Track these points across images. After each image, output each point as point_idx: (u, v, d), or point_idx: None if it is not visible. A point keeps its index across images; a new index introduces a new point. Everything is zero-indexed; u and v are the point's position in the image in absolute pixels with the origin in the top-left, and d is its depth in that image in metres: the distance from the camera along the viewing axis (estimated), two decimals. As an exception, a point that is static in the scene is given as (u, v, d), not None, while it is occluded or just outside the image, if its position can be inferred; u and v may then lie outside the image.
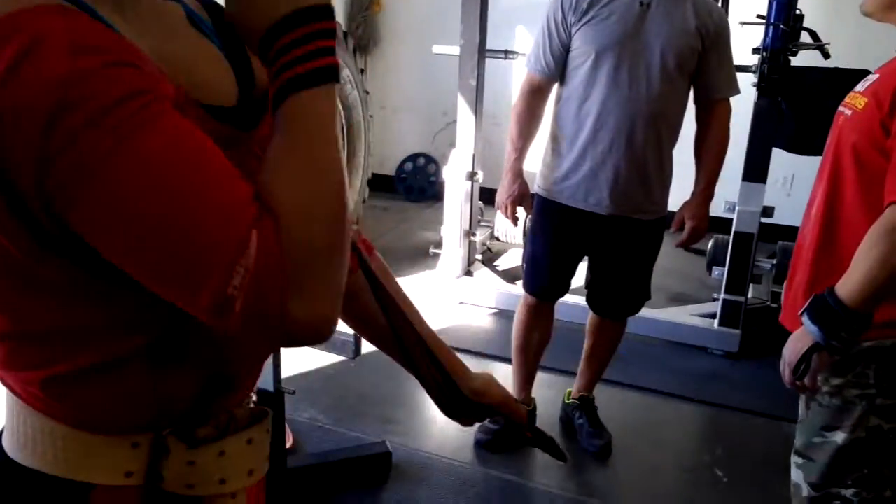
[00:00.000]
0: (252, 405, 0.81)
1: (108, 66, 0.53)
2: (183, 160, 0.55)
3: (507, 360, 2.71)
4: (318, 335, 0.60)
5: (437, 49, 4.09)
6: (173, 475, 0.68)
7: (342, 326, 1.89)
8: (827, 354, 1.30)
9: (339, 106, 4.01)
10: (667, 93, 2.14)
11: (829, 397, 1.39)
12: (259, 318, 0.56)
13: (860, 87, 1.40)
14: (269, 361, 1.86)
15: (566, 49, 2.19)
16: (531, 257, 2.40)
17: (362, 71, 4.31)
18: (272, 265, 0.55)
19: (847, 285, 1.25)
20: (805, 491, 1.44)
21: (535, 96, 2.28)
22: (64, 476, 0.67)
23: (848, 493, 1.38)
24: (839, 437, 1.38)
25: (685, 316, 3.42)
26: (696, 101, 2.30)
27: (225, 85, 0.70)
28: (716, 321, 3.29)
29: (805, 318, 1.30)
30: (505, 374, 2.77)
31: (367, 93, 4.34)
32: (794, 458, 1.49)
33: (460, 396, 0.91)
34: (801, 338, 1.33)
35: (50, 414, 0.67)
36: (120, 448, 0.67)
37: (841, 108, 1.43)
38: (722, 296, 3.26)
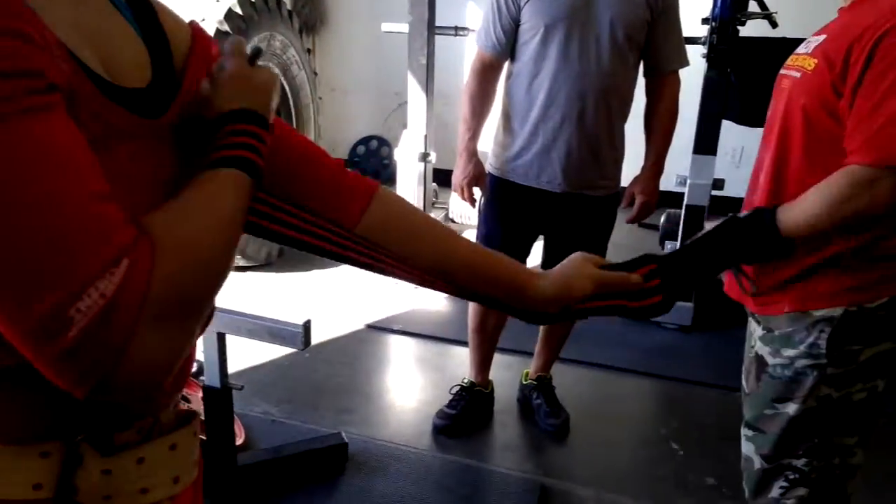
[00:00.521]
0: (185, 407, 0.76)
1: None
2: (51, 166, 0.50)
3: (464, 344, 2.69)
4: (144, 385, 0.55)
5: (385, 27, 3.99)
6: (88, 486, 0.62)
7: (290, 317, 1.82)
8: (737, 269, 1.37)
9: (287, 88, 3.91)
10: (617, 66, 2.11)
11: (781, 369, 1.39)
12: (93, 349, 0.51)
13: (804, 48, 1.37)
14: (215, 357, 1.79)
15: (516, 23, 2.14)
16: (485, 238, 2.37)
17: (309, 51, 4.19)
18: (134, 297, 0.52)
19: (790, 211, 1.26)
20: (757, 463, 1.45)
21: (486, 74, 2.23)
22: None
23: (799, 462, 1.40)
24: (791, 408, 1.38)
25: (640, 291, 3.43)
26: (646, 74, 2.27)
27: (137, 64, 0.66)
28: (670, 295, 3.31)
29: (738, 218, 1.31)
30: (462, 357, 2.75)
31: (316, 73, 4.24)
32: (745, 431, 1.50)
33: (535, 313, 0.89)
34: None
35: None
36: (26, 458, 0.61)
37: (785, 72, 1.41)
38: (675, 270, 3.28)
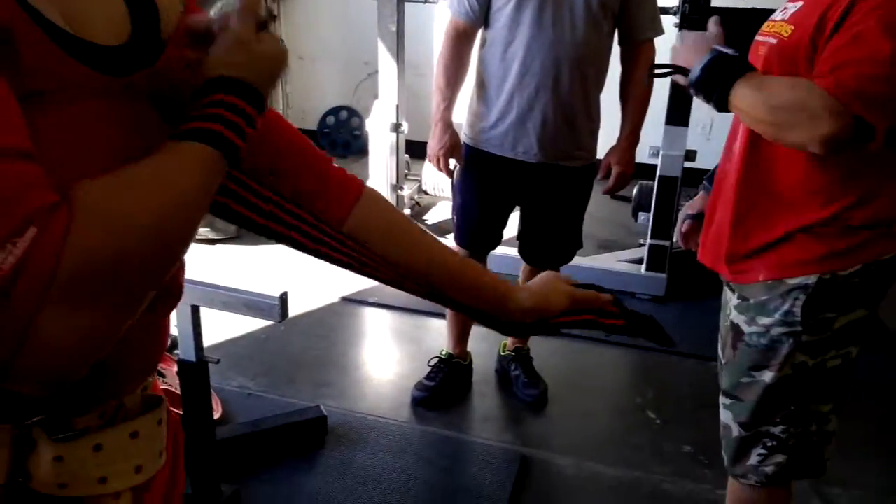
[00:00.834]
0: (161, 382, 0.72)
1: None
2: None
3: (442, 316, 2.68)
4: (50, 375, 0.49)
5: (354, -7, 3.91)
6: (41, 473, 0.59)
7: (267, 289, 1.78)
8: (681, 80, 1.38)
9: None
10: (592, 34, 2.09)
11: (757, 337, 1.40)
12: None
13: (780, 15, 1.37)
14: (189, 331, 1.75)
15: None
16: (461, 209, 2.34)
17: (274, 17, 4.07)
18: (37, 273, 0.45)
19: (743, 88, 1.26)
20: (735, 431, 1.47)
21: (460, 42, 2.19)
22: None
23: (776, 430, 1.41)
24: (767, 375, 1.39)
25: (613, 262, 3.46)
26: (620, 43, 2.26)
27: (111, 21, 0.61)
28: (643, 266, 3.34)
29: (706, 56, 1.31)
30: (439, 329, 2.74)
31: (282, 41, 4.12)
32: (723, 400, 1.52)
33: (512, 324, 0.89)
34: (688, 52, 1.37)
35: None
36: None
37: (761, 38, 1.40)
38: (648, 241, 3.31)
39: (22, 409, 0.58)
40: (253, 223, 0.74)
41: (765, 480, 1.45)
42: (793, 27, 1.30)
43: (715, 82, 1.30)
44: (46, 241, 0.46)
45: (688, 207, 1.65)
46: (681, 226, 1.66)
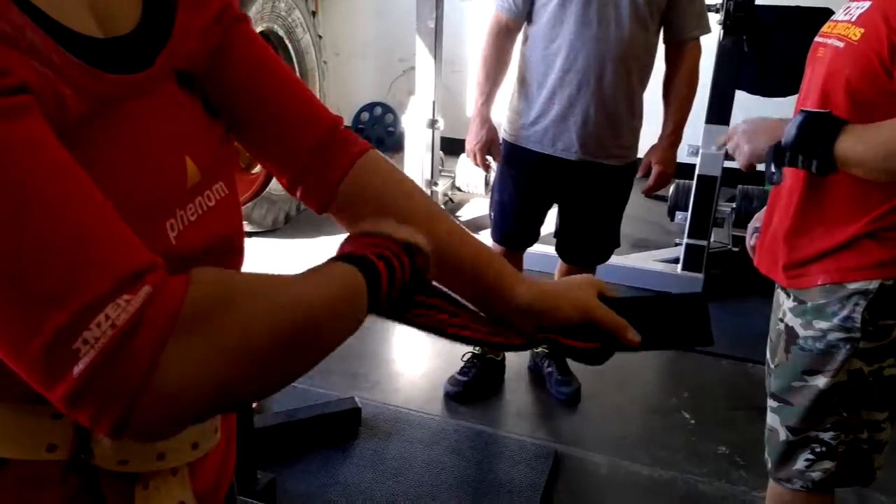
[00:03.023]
0: None
1: None
2: (47, 167, 0.44)
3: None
4: (170, 425, 0.48)
5: (392, -10, 3.92)
6: (103, 449, 0.59)
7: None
8: (772, 152, 1.29)
9: (292, 51, 3.84)
10: (637, 32, 2.07)
11: (813, 341, 1.37)
12: (103, 388, 0.43)
13: (845, 16, 1.32)
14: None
15: None
16: (499, 206, 2.34)
17: (314, 13, 4.10)
18: (157, 324, 0.44)
19: (848, 142, 1.20)
20: (783, 434, 1.44)
21: (502, 37, 2.18)
22: None
23: (826, 436, 1.38)
24: (821, 381, 1.36)
25: (649, 262, 3.43)
26: (666, 41, 2.23)
27: (125, 5, 0.59)
28: (679, 266, 3.31)
29: (797, 118, 1.26)
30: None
31: (321, 37, 4.16)
32: (771, 402, 1.48)
33: (502, 325, 0.75)
34: (773, 129, 1.32)
35: None
36: (39, 418, 0.57)
37: (822, 40, 1.36)
38: (685, 240, 3.27)
39: None
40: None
41: (811, 486, 1.42)
42: (862, 30, 1.25)
43: (815, 140, 1.23)
44: (163, 297, 0.45)
45: (756, 220, 1.61)
46: (749, 238, 1.62)
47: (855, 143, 1.20)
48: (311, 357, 0.55)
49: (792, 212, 1.39)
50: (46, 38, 0.49)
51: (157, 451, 0.62)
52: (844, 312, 1.32)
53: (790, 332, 1.42)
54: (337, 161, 0.75)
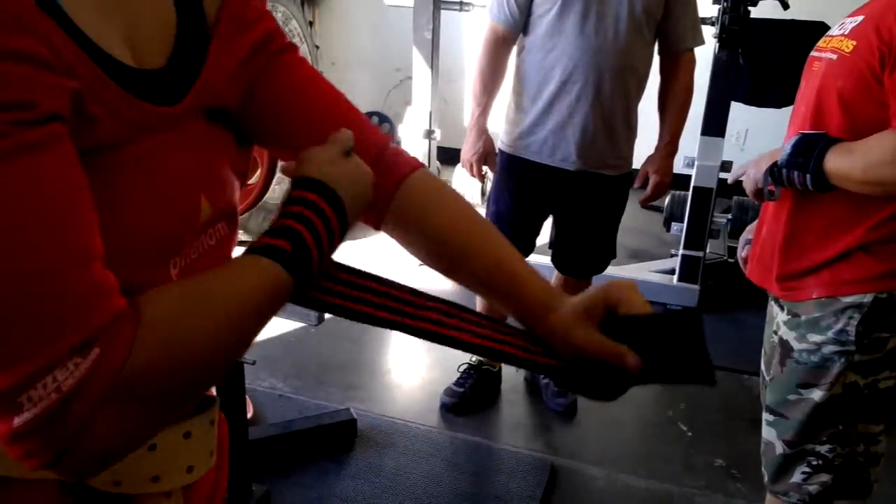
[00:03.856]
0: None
1: None
2: (32, 221, 0.44)
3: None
4: (98, 468, 0.50)
5: (389, 0, 3.93)
6: None
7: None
8: (768, 171, 1.36)
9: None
10: (635, 42, 2.08)
11: (808, 354, 1.37)
12: (41, 439, 0.45)
13: (839, 30, 1.34)
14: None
15: None
16: (495, 216, 2.34)
17: (311, 23, 4.12)
18: (96, 390, 0.45)
19: (835, 158, 1.24)
20: (779, 448, 1.43)
21: (498, 47, 2.19)
22: None
23: (823, 449, 1.38)
24: (816, 394, 1.36)
25: (645, 272, 3.43)
26: (661, 52, 2.25)
27: (161, 34, 0.59)
28: (675, 277, 3.31)
29: (793, 138, 1.31)
30: (469, 336, 2.73)
31: (318, 47, 4.17)
32: (766, 416, 1.48)
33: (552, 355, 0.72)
34: (774, 154, 1.37)
35: None
36: None
37: (817, 54, 1.38)
38: (681, 251, 3.28)
39: None
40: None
41: (808, 499, 1.41)
42: (854, 42, 1.27)
43: (807, 156, 1.28)
44: (108, 363, 0.46)
45: (747, 232, 1.62)
46: (741, 250, 1.64)
47: (841, 159, 1.24)
48: (244, 349, 0.56)
49: (784, 222, 1.40)
50: (87, 59, 0.49)
51: (151, 473, 0.61)
52: (839, 326, 1.32)
53: (784, 346, 1.42)
54: (384, 182, 0.73)
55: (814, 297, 1.35)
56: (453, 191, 0.79)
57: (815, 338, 1.35)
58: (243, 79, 0.67)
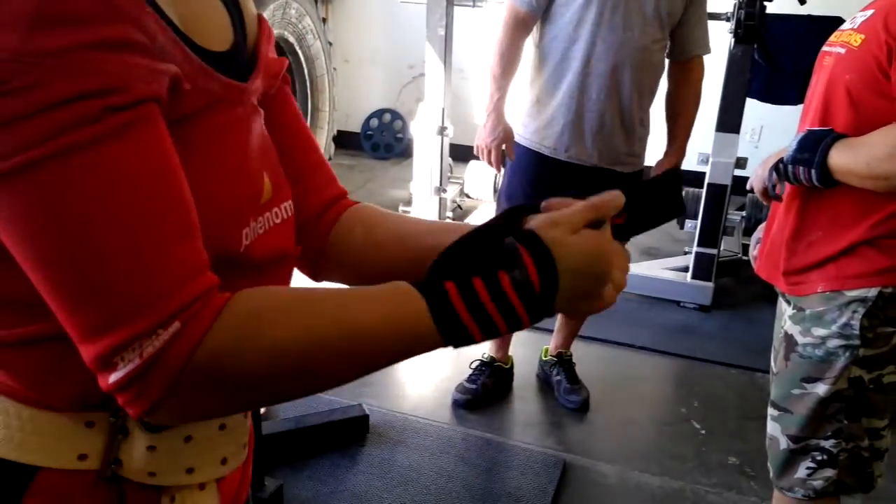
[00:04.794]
0: None
1: (76, 50, 0.44)
2: (132, 201, 0.48)
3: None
4: (188, 422, 0.58)
5: (402, -3, 3.93)
6: (133, 461, 0.60)
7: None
8: (773, 168, 1.38)
9: (302, 57, 3.86)
10: (656, 42, 2.07)
11: (812, 348, 1.37)
12: (132, 395, 0.50)
13: (849, 24, 1.34)
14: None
15: None
16: (507, 205, 2.33)
17: (324, 20, 4.12)
18: (173, 361, 0.49)
19: (839, 153, 1.26)
20: (783, 443, 1.43)
21: (518, 30, 2.13)
22: (3, 456, 0.58)
23: (827, 444, 1.38)
24: (820, 388, 1.36)
25: (658, 270, 3.41)
26: (673, 57, 2.22)
27: (220, 26, 0.63)
28: (688, 274, 3.29)
29: (799, 135, 1.33)
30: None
31: (331, 44, 4.18)
32: (771, 411, 1.48)
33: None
34: (781, 152, 1.38)
35: None
36: (72, 427, 0.59)
37: (828, 48, 1.38)
38: (695, 249, 3.26)
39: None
40: None
41: (812, 494, 1.41)
42: (863, 36, 1.27)
43: (812, 151, 1.29)
44: (185, 339, 0.49)
45: (759, 231, 1.63)
46: (753, 249, 1.64)
47: (845, 154, 1.25)
48: (327, 384, 0.57)
49: (792, 218, 1.40)
50: (176, 40, 0.52)
51: (186, 465, 0.62)
52: (843, 320, 1.32)
53: (789, 340, 1.42)
54: (333, 213, 0.76)
55: (819, 291, 1.35)
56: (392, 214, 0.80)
57: (820, 332, 1.35)
58: (271, 86, 0.70)
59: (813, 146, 1.29)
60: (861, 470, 1.39)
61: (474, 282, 0.55)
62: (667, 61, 2.22)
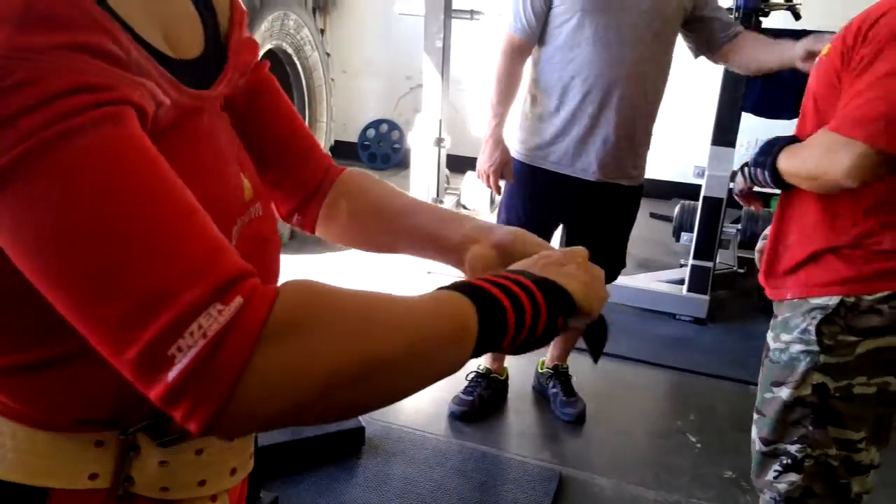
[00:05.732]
0: None
1: (59, 49, 0.44)
2: (144, 178, 0.46)
3: (480, 330, 2.66)
4: (261, 424, 0.48)
5: (399, 8, 3.95)
6: (145, 477, 0.60)
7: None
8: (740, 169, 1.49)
9: (300, 68, 3.87)
10: (656, 52, 2.09)
11: (779, 353, 1.40)
12: (197, 392, 0.44)
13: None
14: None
15: (548, 6, 2.09)
16: (506, 224, 2.34)
17: (322, 31, 4.14)
18: (246, 335, 0.44)
19: (784, 157, 1.34)
20: (758, 445, 1.47)
21: (515, 57, 2.18)
22: (14, 480, 0.58)
23: (793, 448, 1.39)
24: (784, 392, 1.38)
25: (653, 282, 3.42)
26: (711, 50, 2.20)
27: (193, 31, 0.63)
28: (684, 287, 3.30)
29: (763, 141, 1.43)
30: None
31: (329, 54, 4.19)
32: (754, 415, 1.52)
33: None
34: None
35: None
36: (82, 447, 0.58)
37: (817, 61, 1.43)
38: (690, 261, 3.27)
39: (127, 415, 0.59)
40: None
41: (779, 498, 1.43)
42: (830, 45, 1.33)
43: (767, 155, 1.37)
44: (252, 312, 0.45)
45: (760, 241, 1.67)
46: (758, 263, 1.67)
47: (789, 157, 1.34)
48: (395, 389, 0.52)
49: (775, 224, 1.45)
50: (147, 55, 0.52)
51: (198, 478, 0.62)
52: (803, 325, 1.35)
53: (766, 345, 1.47)
54: (324, 189, 0.81)
55: (788, 297, 1.40)
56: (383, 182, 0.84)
57: (785, 337, 1.39)
58: (245, 81, 0.71)
59: (769, 150, 1.37)
60: (831, 480, 1.39)
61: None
62: (674, 69, 2.21)
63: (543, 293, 0.59)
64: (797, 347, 1.36)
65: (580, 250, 0.69)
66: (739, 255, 3.69)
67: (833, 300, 1.31)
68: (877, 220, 1.28)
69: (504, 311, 0.56)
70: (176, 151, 0.51)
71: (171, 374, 0.43)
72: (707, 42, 2.20)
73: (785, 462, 1.40)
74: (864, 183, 1.21)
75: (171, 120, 0.54)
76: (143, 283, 0.43)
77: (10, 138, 0.43)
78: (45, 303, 0.49)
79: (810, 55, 1.83)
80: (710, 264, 3.23)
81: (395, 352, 0.50)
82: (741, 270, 3.60)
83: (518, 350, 0.60)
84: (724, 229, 3.48)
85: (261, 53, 3.46)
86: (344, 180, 0.82)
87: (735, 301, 3.38)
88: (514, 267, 0.65)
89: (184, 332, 0.43)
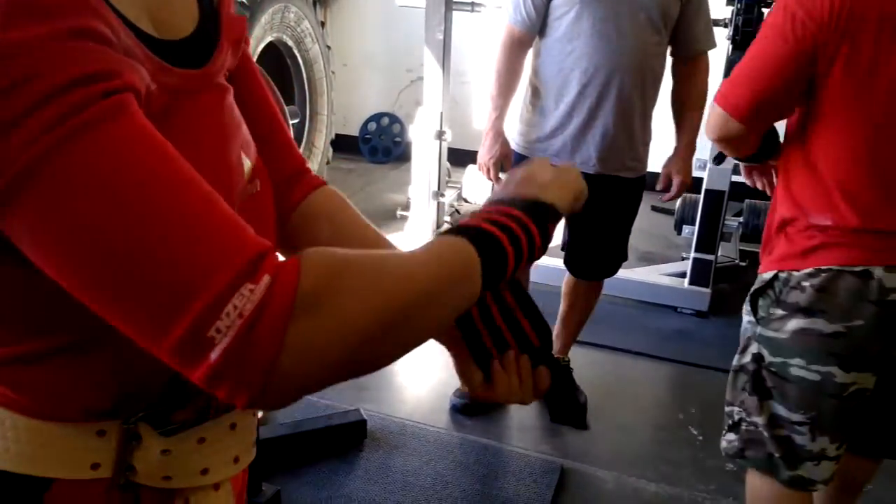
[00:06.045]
0: None
1: (55, 39, 0.43)
2: (160, 165, 0.46)
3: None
4: (302, 392, 0.50)
5: (400, 1, 3.93)
6: (147, 466, 0.60)
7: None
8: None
9: (301, 61, 3.86)
10: (653, 45, 2.08)
11: (741, 323, 1.52)
12: (239, 369, 0.45)
13: None
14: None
15: None
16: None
17: (322, 24, 4.12)
18: (279, 310, 0.45)
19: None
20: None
21: (515, 50, 2.18)
22: (16, 471, 0.58)
23: (733, 410, 1.51)
24: (736, 358, 1.51)
25: (655, 275, 3.41)
26: (675, 55, 2.24)
27: (186, 10, 0.61)
28: (686, 280, 3.29)
29: None
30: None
31: (329, 47, 4.18)
32: None
33: None
34: None
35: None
36: (83, 437, 0.59)
37: None
38: (692, 254, 3.26)
39: (129, 405, 0.59)
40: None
41: (722, 454, 1.57)
42: None
43: None
44: (282, 286, 0.46)
45: None
46: None
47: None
48: (420, 333, 0.55)
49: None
50: (134, 38, 0.51)
51: (200, 466, 0.63)
52: (748, 297, 1.47)
53: None
54: (296, 193, 0.78)
55: (759, 272, 1.50)
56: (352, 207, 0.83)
57: (745, 308, 1.50)
58: (236, 61, 0.69)
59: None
60: (761, 449, 1.46)
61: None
62: (670, 60, 2.23)
63: (526, 212, 0.62)
64: (746, 318, 1.48)
65: (541, 159, 0.74)
66: (741, 247, 3.69)
67: (768, 274, 1.42)
68: (793, 200, 1.39)
69: (499, 241, 0.59)
70: (171, 134, 0.51)
71: (214, 355, 0.44)
72: (673, 46, 2.21)
73: (728, 422, 1.53)
74: (721, 138, 1.43)
75: (160, 103, 0.53)
76: (176, 271, 0.44)
77: (20, 141, 0.42)
78: (43, 294, 0.49)
79: (667, 178, 2.28)
80: (711, 257, 3.22)
81: (418, 298, 0.52)
82: (743, 263, 3.60)
83: (528, 263, 0.63)
84: (726, 222, 3.47)
85: (261, 46, 3.42)
86: (321, 199, 0.80)
87: (737, 294, 3.37)
88: (491, 197, 0.67)
89: (220, 313, 0.44)
